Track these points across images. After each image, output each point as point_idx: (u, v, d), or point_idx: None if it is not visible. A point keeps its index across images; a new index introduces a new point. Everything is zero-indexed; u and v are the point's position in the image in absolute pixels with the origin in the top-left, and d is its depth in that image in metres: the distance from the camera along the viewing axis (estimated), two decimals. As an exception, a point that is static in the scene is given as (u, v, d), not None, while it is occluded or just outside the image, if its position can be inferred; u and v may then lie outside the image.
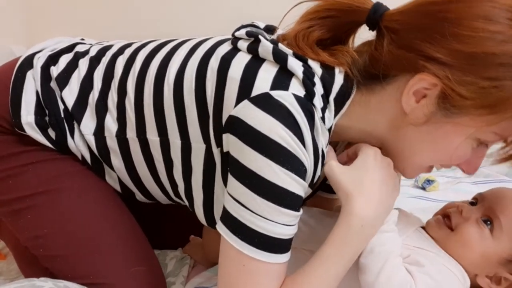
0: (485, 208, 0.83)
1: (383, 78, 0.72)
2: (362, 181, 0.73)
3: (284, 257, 0.73)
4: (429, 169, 0.79)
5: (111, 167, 0.88)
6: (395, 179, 0.78)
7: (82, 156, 0.89)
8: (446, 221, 0.85)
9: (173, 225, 1.12)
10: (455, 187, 1.41)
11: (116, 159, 0.87)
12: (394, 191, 0.77)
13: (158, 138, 0.81)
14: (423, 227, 0.88)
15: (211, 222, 0.82)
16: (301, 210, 0.73)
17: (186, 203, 0.85)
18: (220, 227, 0.73)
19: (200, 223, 0.87)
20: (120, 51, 0.90)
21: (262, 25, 0.83)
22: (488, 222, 0.82)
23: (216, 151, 0.76)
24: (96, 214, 0.89)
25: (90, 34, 1.80)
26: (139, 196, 0.94)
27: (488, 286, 0.82)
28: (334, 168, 0.75)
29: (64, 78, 0.88)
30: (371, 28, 0.75)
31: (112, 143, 0.86)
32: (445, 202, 1.13)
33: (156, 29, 1.60)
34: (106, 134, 0.85)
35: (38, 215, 0.87)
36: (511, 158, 0.74)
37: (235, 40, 0.78)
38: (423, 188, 1.44)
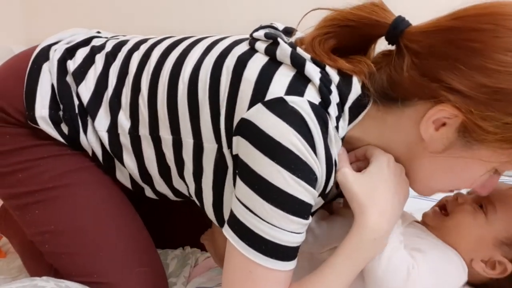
0: (480, 196, 0.85)
1: (401, 102, 0.71)
2: (375, 191, 0.72)
3: (291, 265, 0.72)
4: (446, 190, 0.79)
5: (123, 164, 0.88)
6: (407, 186, 0.77)
7: (93, 153, 0.88)
8: (442, 210, 0.87)
9: (174, 225, 1.12)
10: (454, 187, 1.41)
11: (128, 157, 0.86)
12: (405, 198, 0.77)
13: (170, 137, 0.80)
14: (417, 222, 0.90)
15: (222, 222, 0.81)
16: (310, 218, 0.72)
17: (198, 203, 0.84)
18: (227, 232, 0.72)
19: (202, 223, 0.87)
20: (136, 46, 0.89)
21: (281, 27, 0.82)
22: (482, 207, 0.84)
23: (226, 152, 0.75)
24: (103, 213, 0.89)
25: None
26: (148, 191, 0.93)
27: (483, 271, 0.83)
28: (348, 176, 0.73)
29: (80, 73, 0.88)
30: (391, 43, 0.73)
31: (125, 140, 0.85)
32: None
33: (156, 27, 1.61)
34: (119, 131, 0.85)
35: (45, 211, 0.87)
36: None
37: (253, 40, 0.77)
38: (423, 188, 1.43)
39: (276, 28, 0.81)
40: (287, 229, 0.69)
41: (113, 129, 0.85)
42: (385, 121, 0.73)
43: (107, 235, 0.88)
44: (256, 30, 0.79)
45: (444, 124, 0.68)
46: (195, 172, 0.80)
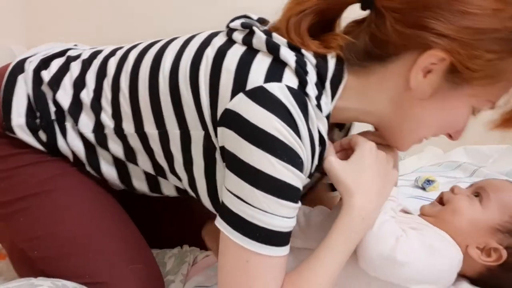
0: (475, 187, 0.91)
1: (387, 57, 0.75)
2: (360, 176, 0.77)
3: (285, 250, 0.73)
4: (422, 140, 0.83)
5: (110, 154, 0.88)
6: (390, 170, 0.82)
7: (75, 157, 0.89)
8: (439, 202, 0.91)
9: (170, 225, 1.11)
10: (455, 187, 1.41)
11: (118, 154, 0.87)
12: (389, 181, 0.82)
13: (156, 131, 0.81)
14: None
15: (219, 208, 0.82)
16: (300, 202, 0.74)
17: (193, 194, 0.85)
18: (220, 223, 0.73)
19: (198, 222, 0.87)
20: (112, 53, 0.90)
21: (255, 17, 0.84)
22: (477, 195, 0.88)
23: (215, 140, 0.76)
24: (89, 213, 0.89)
25: (90, 34, 1.80)
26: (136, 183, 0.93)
27: (479, 257, 0.85)
28: (333, 163, 0.78)
29: (56, 81, 0.89)
30: (365, 7, 0.76)
31: (113, 140, 0.86)
32: (445, 202, 1.14)
33: (154, 25, 1.61)
34: (106, 131, 0.86)
35: (31, 218, 0.87)
36: (503, 124, 0.79)
37: (230, 31, 0.79)
38: (423, 188, 1.43)
39: (250, 18, 0.83)
40: (279, 214, 0.71)
41: (98, 130, 0.86)
42: (367, 85, 0.77)
43: (95, 235, 0.87)
44: (232, 20, 0.81)
45: (430, 71, 0.73)
46: (185, 163, 0.81)
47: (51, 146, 0.88)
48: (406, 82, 0.74)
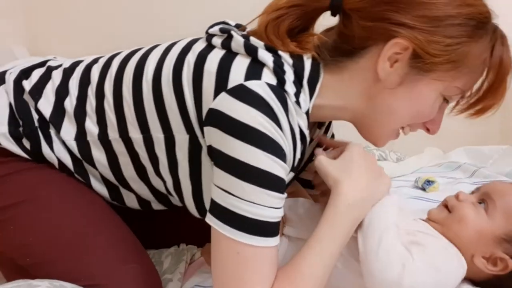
0: (481, 193, 0.90)
1: (356, 52, 0.79)
2: (349, 168, 0.81)
3: (275, 240, 0.76)
4: (398, 134, 0.87)
5: (96, 169, 0.89)
6: (382, 172, 0.85)
7: (61, 163, 0.89)
8: (445, 207, 0.90)
9: (166, 225, 1.11)
10: (455, 188, 1.41)
11: (101, 162, 0.88)
12: (381, 181, 0.84)
13: (141, 136, 0.83)
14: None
15: (204, 213, 0.83)
16: (285, 193, 0.77)
17: (176, 198, 0.87)
18: (210, 219, 0.75)
19: (194, 222, 0.87)
20: (94, 61, 0.93)
21: (232, 23, 0.87)
22: (483, 204, 0.87)
23: (202, 141, 0.78)
24: (79, 217, 0.89)
25: (89, 34, 1.80)
26: (127, 200, 0.95)
27: (485, 267, 0.84)
28: (323, 160, 0.83)
29: (37, 90, 0.90)
30: (334, 13, 0.81)
31: (96, 146, 0.87)
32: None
33: (155, 26, 1.61)
34: (88, 138, 0.87)
35: (21, 225, 0.87)
36: (470, 107, 0.82)
37: (209, 37, 0.82)
38: (423, 189, 1.43)
39: (228, 24, 0.87)
40: (267, 205, 0.73)
41: (81, 137, 0.87)
42: (341, 81, 0.81)
43: (87, 238, 0.88)
44: (211, 26, 0.85)
45: (396, 61, 0.77)
46: (170, 166, 0.83)
47: (35, 153, 0.88)
48: (375, 74, 0.79)
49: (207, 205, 0.82)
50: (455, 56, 0.76)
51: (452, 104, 0.85)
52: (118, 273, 0.86)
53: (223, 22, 0.87)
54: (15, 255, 0.89)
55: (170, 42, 0.88)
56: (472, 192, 0.93)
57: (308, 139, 0.83)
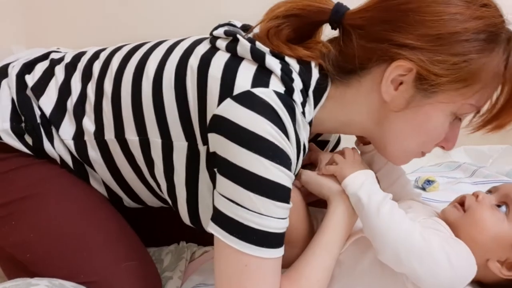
0: (501, 195, 0.85)
1: (359, 70, 0.76)
2: (336, 178, 0.82)
3: (281, 251, 0.74)
4: (421, 154, 0.83)
5: (94, 170, 0.89)
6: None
7: (62, 160, 0.89)
8: (460, 205, 0.86)
9: (167, 223, 1.11)
10: (455, 187, 1.41)
11: (98, 162, 0.88)
12: None
13: (137, 138, 0.82)
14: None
15: (195, 221, 0.83)
16: (291, 203, 0.74)
17: (169, 201, 0.85)
18: (214, 229, 0.73)
19: None
20: (95, 55, 0.91)
21: (239, 24, 0.85)
22: (504, 207, 0.83)
23: (202, 149, 0.76)
24: (79, 213, 0.89)
25: (89, 34, 1.80)
26: (126, 201, 0.94)
27: (499, 271, 0.82)
28: (310, 174, 0.85)
29: (41, 86, 0.89)
30: (334, 27, 0.79)
31: (92, 146, 0.86)
32: (446, 202, 1.13)
33: (154, 26, 1.60)
34: (86, 138, 0.86)
35: (22, 220, 0.87)
36: (486, 125, 0.77)
37: (213, 39, 0.80)
38: (423, 189, 1.44)
39: (234, 26, 0.84)
40: (274, 216, 0.71)
41: (79, 137, 0.87)
42: (344, 97, 0.79)
43: (87, 234, 0.87)
44: (216, 28, 0.82)
45: (401, 83, 0.74)
46: (166, 171, 0.82)
47: (37, 149, 0.88)
48: (380, 96, 0.76)
49: (202, 213, 0.82)
50: (464, 74, 0.72)
51: (467, 119, 0.80)
52: (117, 270, 0.86)
53: (229, 24, 0.84)
54: (15, 251, 0.89)
55: (173, 41, 0.85)
56: (489, 191, 0.88)
57: (307, 150, 0.81)
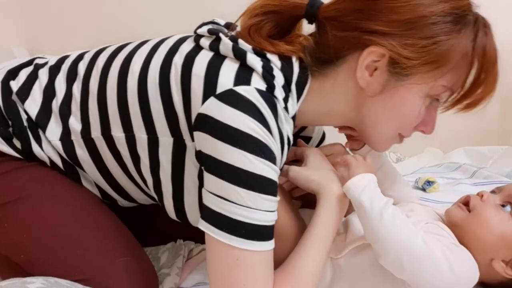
0: (505, 195, 0.85)
1: (335, 60, 0.79)
2: (322, 170, 0.85)
3: (271, 244, 0.75)
4: (399, 139, 0.86)
5: (84, 170, 0.89)
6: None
7: (52, 162, 0.89)
8: (465, 205, 0.86)
9: (163, 222, 1.10)
10: (455, 188, 1.41)
11: (86, 161, 0.88)
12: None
13: (123, 134, 0.83)
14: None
15: (181, 215, 0.84)
16: (278, 196, 0.76)
17: (155, 197, 0.86)
18: (204, 226, 0.74)
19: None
20: (80, 57, 0.92)
21: (222, 22, 0.87)
22: (508, 207, 0.83)
23: (190, 145, 0.78)
24: (72, 212, 0.89)
25: (89, 34, 1.80)
26: (119, 200, 0.95)
27: (504, 271, 0.81)
28: (296, 170, 0.86)
29: (25, 91, 0.90)
30: (310, 21, 0.82)
31: (79, 145, 0.87)
32: (446, 203, 1.13)
33: (154, 27, 1.60)
34: (73, 137, 0.87)
35: (15, 222, 0.87)
36: (456, 104, 0.80)
37: (197, 37, 0.81)
38: (423, 190, 1.43)
39: (218, 24, 0.86)
40: (263, 209, 0.73)
41: (66, 137, 0.87)
42: (324, 88, 0.81)
43: (80, 233, 0.88)
44: (200, 26, 0.83)
45: (376, 69, 0.77)
46: (152, 166, 0.83)
47: (26, 152, 0.88)
48: (357, 83, 0.79)
49: (187, 208, 0.83)
50: (434, 56, 0.75)
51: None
52: (112, 266, 0.86)
53: (212, 22, 0.86)
54: (9, 252, 0.89)
55: (157, 39, 0.87)
56: (492, 192, 0.88)
57: (291, 143, 0.82)
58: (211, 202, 0.73)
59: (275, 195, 0.74)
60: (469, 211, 0.85)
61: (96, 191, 0.93)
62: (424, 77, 0.76)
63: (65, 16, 1.93)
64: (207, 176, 0.74)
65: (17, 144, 0.88)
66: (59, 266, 0.85)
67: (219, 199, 0.72)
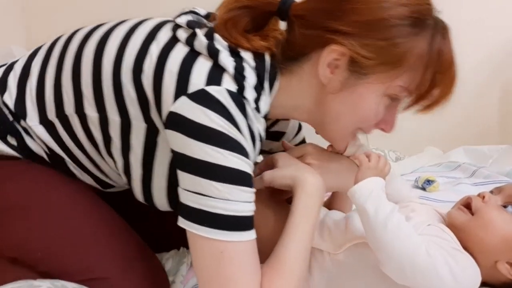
0: (506, 195, 0.85)
1: (300, 57, 0.82)
2: (296, 166, 0.87)
3: (253, 234, 0.76)
4: (354, 135, 0.89)
5: (68, 156, 0.89)
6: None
7: (47, 154, 0.89)
8: (467, 208, 0.85)
9: (166, 229, 1.10)
10: (456, 188, 1.41)
11: (66, 142, 0.87)
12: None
13: (97, 114, 0.83)
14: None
15: (148, 197, 0.86)
16: (254, 187, 0.78)
17: (124, 179, 0.88)
18: (184, 223, 0.75)
19: None
20: (55, 41, 0.92)
21: (202, 12, 0.88)
22: (510, 207, 0.83)
23: (162, 131, 0.79)
24: (81, 212, 0.90)
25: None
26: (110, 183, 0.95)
27: (508, 273, 0.81)
28: (270, 172, 0.88)
29: (1, 85, 0.90)
30: (282, 18, 0.84)
31: (57, 124, 0.86)
32: (446, 202, 1.13)
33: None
34: (49, 117, 0.86)
35: (24, 224, 0.87)
36: (414, 103, 0.83)
37: (175, 26, 0.82)
38: (423, 189, 1.44)
39: (197, 14, 0.87)
40: (240, 200, 0.75)
41: (45, 119, 0.87)
42: (291, 84, 0.84)
43: (91, 233, 0.88)
44: (179, 15, 0.84)
45: (337, 67, 0.80)
46: (123, 148, 0.84)
47: (23, 149, 0.88)
48: (319, 80, 0.81)
49: (155, 191, 0.85)
50: (391, 57, 0.78)
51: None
52: (123, 267, 0.87)
53: (192, 12, 0.87)
54: (17, 254, 0.88)
55: (135, 21, 0.87)
56: (491, 192, 0.88)
57: (264, 139, 0.84)
58: (188, 199, 0.75)
59: (251, 186, 0.76)
60: (472, 213, 0.84)
61: (91, 181, 0.93)
62: (382, 77, 0.79)
63: (65, 16, 1.93)
64: (182, 175, 0.75)
65: (12, 141, 0.88)
66: (71, 264, 0.85)
67: (196, 195, 0.74)
